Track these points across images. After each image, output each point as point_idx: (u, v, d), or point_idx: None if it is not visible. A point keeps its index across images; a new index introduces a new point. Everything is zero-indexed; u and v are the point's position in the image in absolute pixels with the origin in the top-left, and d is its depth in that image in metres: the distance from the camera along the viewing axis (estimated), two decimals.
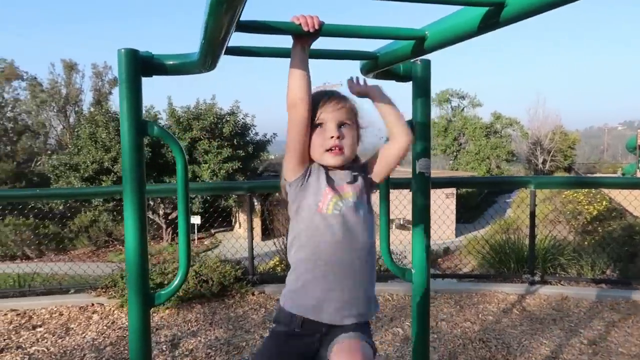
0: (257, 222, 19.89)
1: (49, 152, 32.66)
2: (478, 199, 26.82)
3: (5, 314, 4.34)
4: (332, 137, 1.45)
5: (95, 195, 7.04)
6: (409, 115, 1.86)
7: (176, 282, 1.58)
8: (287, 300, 1.52)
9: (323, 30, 1.28)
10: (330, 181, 1.48)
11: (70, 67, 33.74)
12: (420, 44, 1.32)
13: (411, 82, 1.76)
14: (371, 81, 1.55)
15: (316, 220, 1.46)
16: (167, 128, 21.10)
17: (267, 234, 16.16)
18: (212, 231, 23.19)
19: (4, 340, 3.78)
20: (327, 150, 1.46)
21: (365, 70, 1.63)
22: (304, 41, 1.35)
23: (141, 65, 1.46)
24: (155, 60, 1.49)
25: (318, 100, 1.46)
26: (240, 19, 1.05)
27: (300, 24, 1.29)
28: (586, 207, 12.93)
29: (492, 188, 25.78)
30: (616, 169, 33.02)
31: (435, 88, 43.17)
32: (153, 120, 21.44)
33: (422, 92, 1.77)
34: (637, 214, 8.36)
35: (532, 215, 4.91)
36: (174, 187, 1.64)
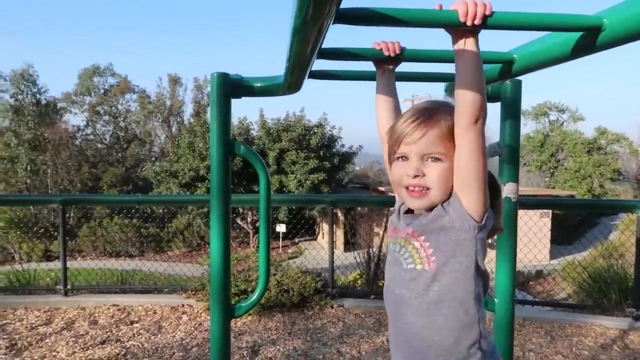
0: (339, 234, 20.05)
1: (153, 159, 35.47)
2: (577, 219, 24.88)
3: (109, 308, 4.74)
4: (407, 174, 1.17)
5: (188, 202, 7.50)
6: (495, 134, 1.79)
7: (255, 295, 1.64)
8: None
9: (405, 55, 1.26)
10: (398, 218, 1.28)
11: (175, 81, 36.51)
12: (508, 68, 1.27)
13: (499, 103, 1.70)
14: None
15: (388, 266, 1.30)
16: (259, 139, 22.01)
17: (348, 246, 16.22)
18: (296, 240, 23.74)
19: (106, 332, 4.13)
20: (405, 188, 1.20)
21: (450, 91, 1.61)
22: (385, 66, 1.33)
23: (231, 88, 1.54)
24: (245, 82, 1.57)
25: (399, 122, 1.20)
26: (324, 45, 1.08)
27: (381, 49, 1.27)
28: None
29: (589, 211, 23.67)
30: None
31: (532, 101, 40.93)
32: (246, 130, 22.54)
33: (511, 113, 1.70)
34: None
35: (639, 243, 4.47)
36: (257, 198, 1.71)
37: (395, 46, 1.26)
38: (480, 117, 1.06)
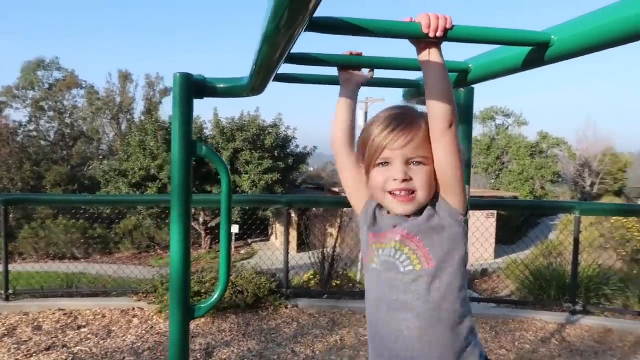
0: (293, 234, 20.05)
1: (101, 157, 34.17)
2: (521, 220, 26.05)
3: (54, 313, 4.56)
4: (395, 179, 1.18)
5: (146, 203, 7.33)
6: None
7: (215, 295, 1.64)
8: None
9: (373, 63, 1.33)
10: (375, 223, 1.28)
11: (125, 77, 35.33)
12: (464, 77, 1.34)
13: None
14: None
15: (366, 274, 1.29)
16: (212, 138, 21.71)
17: (303, 246, 16.26)
18: (249, 241, 23.53)
19: (52, 338, 3.98)
20: (389, 193, 1.20)
21: (408, 97, 1.67)
22: (352, 75, 1.38)
23: (194, 89, 1.55)
24: (208, 83, 1.58)
25: (377, 129, 1.21)
26: (292, 50, 1.10)
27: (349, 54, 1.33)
28: (636, 234, 12.35)
29: (533, 212, 25.02)
30: None
31: (480, 105, 42.47)
32: (199, 130, 22.15)
33: (464, 118, 1.80)
34: None
35: (576, 242, 4.76)
36: (216, 199, 1.72)
37: (440, 22, 1.09)
38: (453, 121, 1.12)
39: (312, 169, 31.12)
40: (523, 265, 6.12)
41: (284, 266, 4.97)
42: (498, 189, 34.78)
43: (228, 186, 1.59)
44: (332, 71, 1.40)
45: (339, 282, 6.05)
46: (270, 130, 22.37)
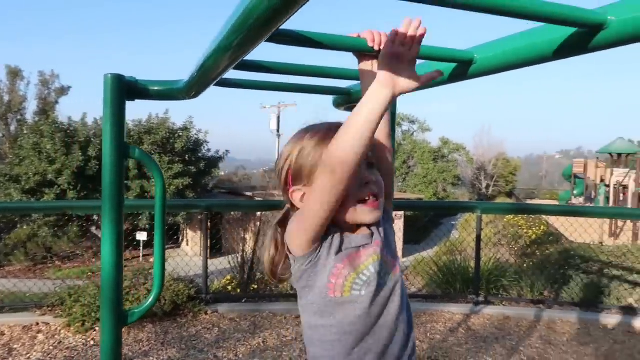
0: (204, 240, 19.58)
1: None
2: (425, 220, 27.58)
3: None
4: (367, 182, 1.09)
5: (71, 209, 6.80)
6: None
7: (150, 299, 1.62)
8: None
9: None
10: (344, 250, 1.10)
11: (15, 74, 32.28)
12: (465, 69, 1.33)
13: None
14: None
15: (359, 302, 1.10)
16: None
17: (214, 252, 15.93)
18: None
19: None
20: (360, 203, 1.08)
21: (337, 104, 1.77)
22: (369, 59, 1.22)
23: (126, 90, 1.52)
24: (139, 85, 1.55)
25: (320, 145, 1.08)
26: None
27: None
28: (526, 231, 13.64)
29: (441, 212, 26.68)
30: (553, 195, 34.93)
31: None
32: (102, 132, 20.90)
33: (392, 125, 1.93)
34: (572, 239, 8.94)
35: (478, 239, 5.19)
36: (150, 204, 1.69)
37: (383, 38, 1.08)
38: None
39: (222, 173, 30.51)
40: (431, 262, 6.54)
41: (203, 271, 4.89)
42: (405, 192, 36.54)
43: (162, 190, 1.58)
44: (279, 78, 1.45)
45: (255, 287, 6.05)
46: (181, 134, 21.66)
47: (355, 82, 1.61)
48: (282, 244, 1.13)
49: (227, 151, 24.76)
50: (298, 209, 1.11)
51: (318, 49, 1.02)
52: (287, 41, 0.98)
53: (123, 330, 4.22)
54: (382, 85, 0.91)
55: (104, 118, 1.52)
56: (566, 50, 0.90)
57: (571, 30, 0.86)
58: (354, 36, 1.11)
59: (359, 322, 1.08)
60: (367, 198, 1.08)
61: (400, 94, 0.93)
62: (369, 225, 1.12)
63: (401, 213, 20.48)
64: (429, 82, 0.96)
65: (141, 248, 19.72)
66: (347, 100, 1.67)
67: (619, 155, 23.69)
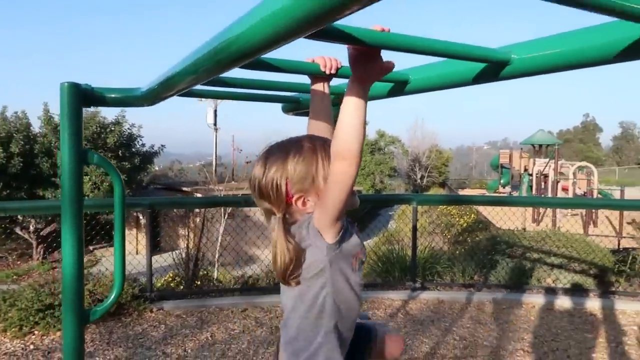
0: (140, 238, 19.01)
1: None
2: (363, 212, 28.31)
3: None
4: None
5: (32, 211, 6.46)
6: None
7: (112, 297, 1.68)
8: None
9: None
10: (357, 232, 1.32)
11: None
12: (402, 87, 1.44)
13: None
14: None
15: (352, 284, 1.30)
16: (43, 136, 19.55)
17: (152, 249, 15.55)
18: (90, 247, 21.65)
19: None
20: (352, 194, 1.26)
21: (286, 110, 1.89)
22: (322, 82, 1.38)
23: (82, 98, 1.57)
24: (96, 93, 1.61)
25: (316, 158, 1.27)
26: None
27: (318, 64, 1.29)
28: (458, 219, 14.41)
29: (379, 204, 27.45)
30: (483, 185, 36.86)
31: None
32: (25, 127, 19.66)
33: None
34: (499, 226, 9.60)
35: (414, 229, 5.52)
36: (110, 203, 1.75)
37: (333, 63, 1.27)
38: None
39: (157, 168, 29.63)
40: (370, 252, 6.83)
41: (147, 269, 4.86)
42: None
43: (121, 191, 1.65)
44: (235, 88, 1.55)
45: (199, 283, 6.06)
46: (113, 128, 20.81)
47: (303, 94, 1.75)
48: (295, 249, 1.25)
49: (162, 146, 24.09)
50: (293, 216, 1.28)
51: (279, 72, 1.15)
52: (254, 66, 1.10)
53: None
54: (357, 80, 1.08)
55: (62, 125, 1.56)
56: (480, 79, 1.14)
57: (482, 65, 1.09)
58: (309, 61, 1.26)
59: (356, 298, 1.31)
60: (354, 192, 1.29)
61: (372, 83, 1.11)
62: None
63: None
64: (390, 70, 1.09)
65: None
66: (297, 107, 1.80)
67: (540, 146, 25.39)
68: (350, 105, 1.08)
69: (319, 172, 1.23)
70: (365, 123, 1.11)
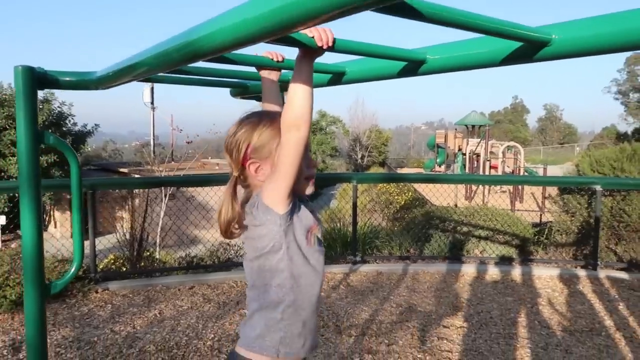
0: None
1: None
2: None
3: None
4: (314, 165, 1.44)
5: None
6: None
7: (72, 270, 1.77)
8: (280, 348, 1.41)
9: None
10: (312, 211, 1.45)
11: None
12: (339, 78, 1.53)
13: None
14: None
15: (306, 257, 1.41)
16: None
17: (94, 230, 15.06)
18: (19, 232, 20.60)
19: None
20: (307, 179, 1.43)
21: (234, 94, 2.02)
22: (313, 55, 1.24)
23: (37, 81, 1.63)
24: (49, 76, 1.67)
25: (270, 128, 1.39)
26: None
27: (313, 37, 1.18)
28: (396, 197, 14.98)
29: (320, 183, 27.87)
30: (420, 164, 38.19)
31: None
32: None
33: None
34: (434, 202, 10.16)
35: (355, 206, 5.80)
36: (67, 183, 1.82)
37: (329, 36, 1.20)
38: None
39: (89, 149, 28.34)
40: None
41: (91, 250, 4.83)
42: None
43: (78, 172, 1.73)
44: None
45: (142, 264, 6.07)
46: (41, 106, 19.72)
47: (250, 81, 1.88)
48: (239, 206, 1.41)
49: (96, 125, 23.14)
50: (247, 180, 1.42)
51: (235, 65, 1.29)
52: (216, 59, 1.24)
53: (4, 315, 4.10)
54: (302, 57, 1.21)
55: (17, 107, 1.62)
56: (513, 60, 1.10)
57: (517, 44, 1.05)
58: (257, 54, 1.43)
59: (313, 274, 1.42)
60: (310, 176, 1.43)
61: (315, 58, 1.23)
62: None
63: None
64: (330, 44, 1.18)
65: None
66: (244, 92, 1.94)
67: (473, 126, 26.63)
68: (302, 78, 1.20)
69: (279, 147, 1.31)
70: (312, 94, 1.23)
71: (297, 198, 1.38)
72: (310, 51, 1.19)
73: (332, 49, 1.16)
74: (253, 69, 1.61)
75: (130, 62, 1.31)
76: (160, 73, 1.32)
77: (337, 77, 1.52)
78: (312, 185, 1.43)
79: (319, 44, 1.15)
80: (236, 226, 1.42)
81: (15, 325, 3.96)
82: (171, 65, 1.13)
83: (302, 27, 0.73)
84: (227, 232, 1.43)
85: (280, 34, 0.80)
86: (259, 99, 2.23)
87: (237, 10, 0.80)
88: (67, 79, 1.69)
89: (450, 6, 0.88)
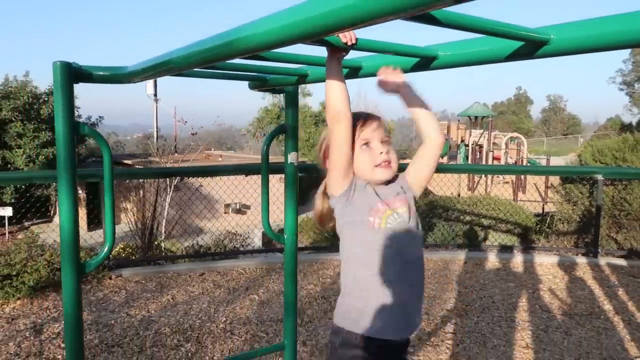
0: (81, 213, 18.49)
1: None
2: (308, 181, 28.80)
3: None
4: (381, 152, 1.52)
5: (30, 179, 6.33)
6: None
7: (105, 251, 1.90)
8: (357, 322, 1.50)
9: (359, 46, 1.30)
10: (380, 195, 1.51)
11: None
12: (429, 62, 1.43)
13: (284, 94, 2.33)
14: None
15: (369, 237, 1.49)
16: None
17: (93, 225, 15.23)
18: (26, 224, 20.78)
19: None
20: (377, 166, 1.52)
21: (252, 87, 2.14)
22: (339, 54, 1.33)
23: (73, 75, 1.76)
24: (84, 71, 1.79)
25: (356, 120, 1.52)
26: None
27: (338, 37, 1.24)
28: None
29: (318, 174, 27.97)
30: None
31: None
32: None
33: (292, 102, 2.35)
34: (437, 193, 10.29)
35: None
36: (101, 173, 1.95)
37: (352, 35, 1.25)
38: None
39: (92, 141, 28.53)
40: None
41: (109, 237, 4.97)
42: None
43: (110, 160, 1.86)
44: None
45: (152, 253, 6.22)
46: (46, 99, 19.87)
47: (269, 75, 1.99)
48: (327, 197, 1.60)
49: (100, 117, 23.27)
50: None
51: (268, 61, 1.42)
52: (256, 57, 1.38)
53: (24, 300, 4.26)
54: (331, 57, 1.34)
55: (55, 100, 1.74)
56: (515, 57, 1.20)
57: (519, 43, 1.16)
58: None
59: (378, 250, 1.48)
60: (381, 163, 1.53)
61: (344, 56, 1.36)
62: (399, 185, 1.57)
63: (279, 176, 21.16)
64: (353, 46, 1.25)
65: (6, 224, 18.07)
66: (262, 85, 2.06)
67: (476, 117, 26.66)
68: (332, 75, 1.36)
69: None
70: (346, 89, 1.41)
71: (360, 182, 1.52)
72: (338, 50, 1.30)
73: (355, 47, 1.26)
74: (274, 64, 1.72)
75: (166, 58, 1.43)
76: (193, 69, 1.44)
77: (354, 72, 1.63)
78: (385, 170, 1.53)
79: (344, 41, 1.23)
80: (327, 218, 1.65)
81: (34, 309, 4.11)
82: (208, 62, 1.25)
83: (338, 32, 0.85)
84: (321, 222, 1.68)
85: (317, 37, 0.93)
86: (275, 91, 2.35)
87: (278, 15, 0.92)
88: (101, 73, 1.81)
89: (464, 13, 1.01)
